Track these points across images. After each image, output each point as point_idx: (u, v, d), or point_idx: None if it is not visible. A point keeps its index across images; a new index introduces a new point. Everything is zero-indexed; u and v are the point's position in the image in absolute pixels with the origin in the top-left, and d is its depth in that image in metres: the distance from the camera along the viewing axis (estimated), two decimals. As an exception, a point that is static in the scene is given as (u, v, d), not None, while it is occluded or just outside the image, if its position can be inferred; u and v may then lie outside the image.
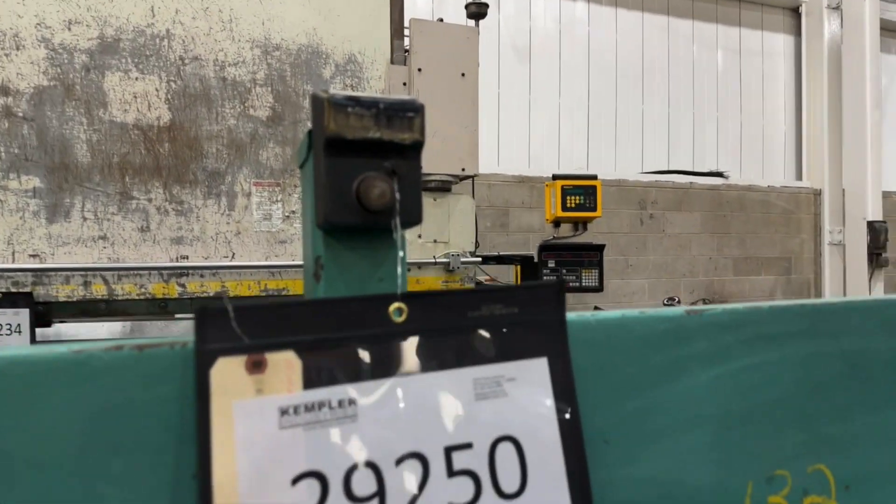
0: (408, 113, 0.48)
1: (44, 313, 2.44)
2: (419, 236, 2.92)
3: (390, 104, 0.48)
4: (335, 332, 0.46)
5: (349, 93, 0.48)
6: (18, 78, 2.42)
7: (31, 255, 2.43)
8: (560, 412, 0.52)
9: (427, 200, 2.94)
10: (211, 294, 2.65)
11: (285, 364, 0.46)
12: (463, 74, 2.92)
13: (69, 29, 2.49)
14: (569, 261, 3.63)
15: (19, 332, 2.34)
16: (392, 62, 2.91)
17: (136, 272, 2.57)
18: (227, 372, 0.45)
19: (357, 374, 0.47)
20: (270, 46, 2.76)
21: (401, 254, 0.52)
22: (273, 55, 2.76)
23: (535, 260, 3.39)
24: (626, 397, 0.60)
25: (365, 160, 0.48)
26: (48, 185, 2.45)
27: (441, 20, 3.22)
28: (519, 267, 3.00)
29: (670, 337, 0.63)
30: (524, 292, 0.50)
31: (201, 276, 2.62)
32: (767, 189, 6.99)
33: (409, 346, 0.48)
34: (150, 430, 0.47)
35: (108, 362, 0.46)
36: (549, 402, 0.51)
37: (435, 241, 2.95)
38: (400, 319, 0.48)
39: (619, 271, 6.09)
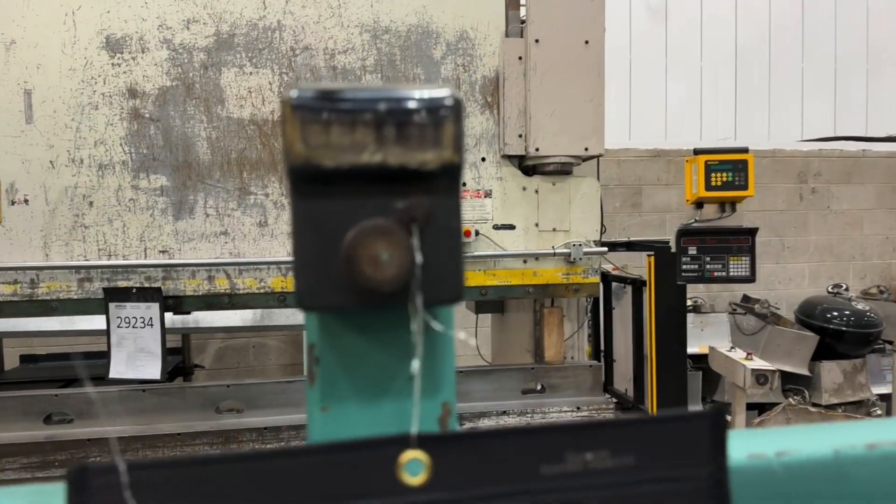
0: (433, 114, 0.28)
1: (173, 307, 2.54)
2: (536, 225, 2.68)
3: (399, 100, 0.28)
4: None
5: (331, 85, 0.28)
6: (145, 80, 2.50)
7: (160, 251, 2.53)
8: None
9: (545, 185, 2.69)
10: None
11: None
12: (587, 42, 2.60)
13: (188, 28, 2.53)
14: (713, 247, 3.19)
15: (151, 325, 2.45)
16: (507, 35, 2.67)
17: (255, 266, 2.60)
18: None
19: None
20: (379, 30, 2.64)
21: (441, 331, 0.32)
22: (382, 39, 2.64)
23: (673, 248, 3.01)
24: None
25: (361, 202, 0.28)
26: (174, 184, 2.53)
27: (562, -17, 2.90)
28: (653, 258, 2.66)
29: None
30: (647, 429, 0.28)
31: (316, 270, 2.60)
32: (968, 152, 5.82)
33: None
34: None
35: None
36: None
37: (554, 230, 2.69)
38: (417, 481, 0.28)
39: (774, 255, 5.38)
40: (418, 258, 0.28)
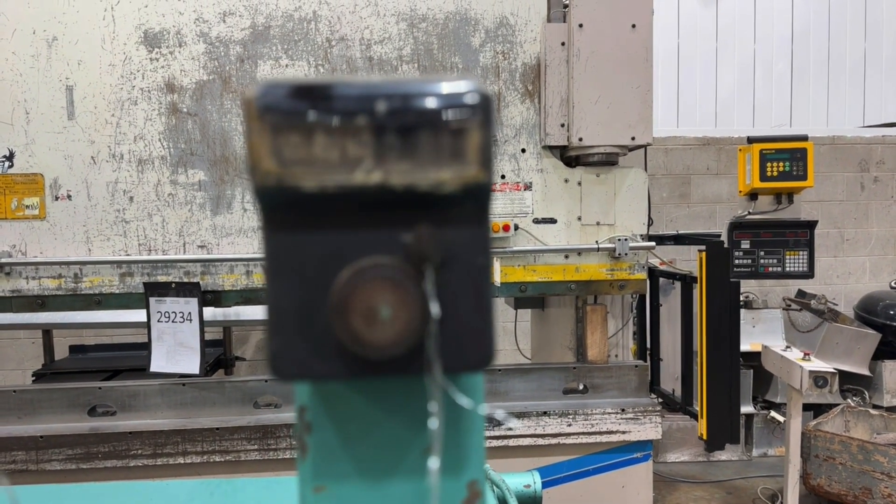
0: (451, 116, 0.20)
1: (211, 301, 2.54)
2: (578, 218, 2.57)
3: (406, 98, 0.20)
4: None
5: (310, 79, 0.21)
6: (182, 74, 2.49)
7: (199, 246, 2.53)
8: None
9: (589, 177, 2.57)
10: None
11: None
12: (633, 26, 2.46)
13: (224, 21, 2.50)
14: (768, 241, 3.02)
15: (190, 320, 2.45)
16: (549, 20, 2.55)
17: (292, 261, 2.57)
18: None
19: None
20: (416, 18, 2.56)
21: (467, 406, 0.25)
22: (419, 27, 2.56)
23: (725, 242, 2.85)
24: None
25: (355, 236, 0.21)
26: (211, 178, 2.52)
27: (607, -35, 2.76)
28: (704, 254, 2.50)
29: None
30: None
31: (352, 265, 2.55)
32: None
33: None
34: None
35: None
36: None
37: (598, 224, 2.57)
38: None
39: (832, 247, 5.10)
40: (434, 310, 0.21)
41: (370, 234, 0.21)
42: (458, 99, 0.21)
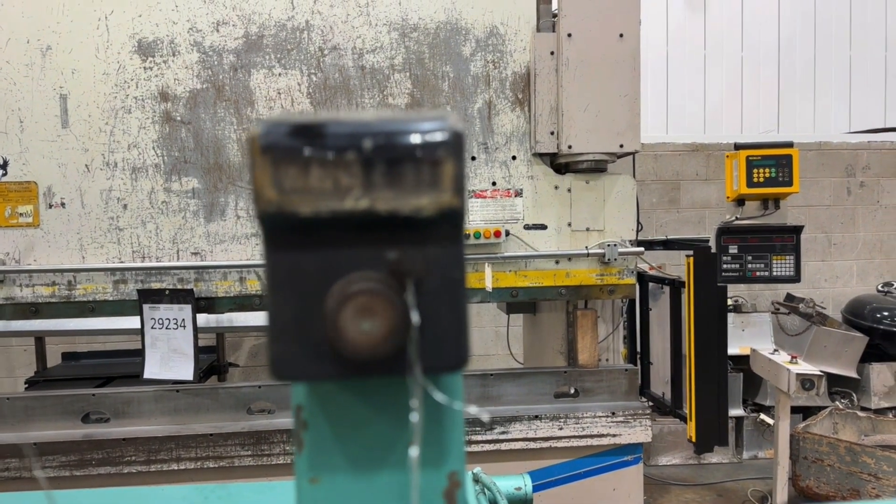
0: (428, 150, 0.24)
1: (205, 308, 2.56)
2: (568, 224, 2.61)
3: (389, 135, 0.23)
4: None
5: (306, 117, 0.24)
6: (175, 83, 2.52)
7: (192, 253, 2.55)
8: None
9: (578, 183, 2.61)
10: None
11: None
12: (621, 35, 2.51)
13: (217, 30, 2.53)
14: (755, 246, 3.07)
15: (184, 326, 2.47)
16: (538, 30, 2.60)
17: (285, 268, 2.60)
18: None
19: None
20: (408, 27, 2.60)
21: (445, 403, 0.28)
22: (411, 37, 2.60)
23: (713, 247, 2.89)
24: None
25: (346, 254, 0.24)
26: (205, 186, 2.54)
27: (595, -25, 2.81)
28: (692, 260, 2.55)
29: None
30: None
31: (345, 271, 2.58)
32: None
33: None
34: None
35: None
36: None
37: (588, 230, 2.61)
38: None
39: (820, 252, 5.17)
40: (415, 318, 0.24)
41: (358, 253, 0.24)
42: (434, 136, 0.24)
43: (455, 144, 0.24)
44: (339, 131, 0.24)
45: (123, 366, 3.41)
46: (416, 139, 0.24)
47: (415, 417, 0.25)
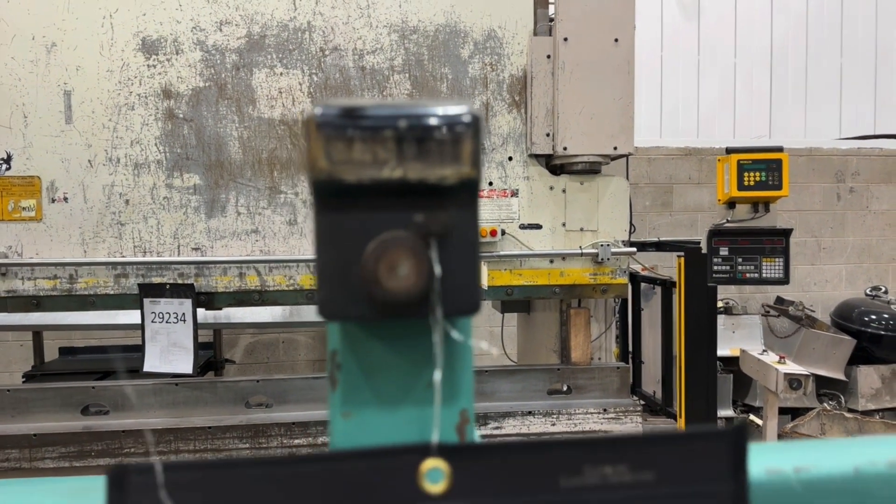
0: (451, 130, 0.29)
1: (205, 303, 2.60)
2: (563, 224, 2.66)
3: (419, 117, 0.29)
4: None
5: (354, 101, 0.29)
6: (178, 81, 2.56)
7: (193, 249, 2.59)
8: None
9: (573, 185, 2.67)
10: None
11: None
12: (616, 40, 2.57)
13: (220, 30, 2.58)
14: (746, 248, 3.13)
15: (184, 320, 2.51)
16: (535, 33, 2.65)
17: (285, 264, 2.64)
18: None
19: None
20: (408, 30, 2.65)
21: (460, 340, 0.33)
22: (410, 39, 2.65)
23: (704, 249, 2.96)
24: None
25: (381, 215, 0.29)
26: (206, 182, 2.58)
27: (592, -19, 2.87)
28: (683, 259, 2.61)
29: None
30: (667, 445, 0.28)
31: (343, 268, 2.62)
32: None
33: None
34: None
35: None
36: None
37: (581, 230, 2.67)
38: (437, 489, 0.29)
39: (810, 256, 5.25)
40: (437, 270, 0.29)
41: (392, 215, 0.30)
42: (457, 118, 0.30)
43: (474, 126, 0.30)
44: (379, 113, 0.30)
45: (122, 361, 3.45)
46: (442, 121, 0.29)
47: (437, 349, 0.30)
